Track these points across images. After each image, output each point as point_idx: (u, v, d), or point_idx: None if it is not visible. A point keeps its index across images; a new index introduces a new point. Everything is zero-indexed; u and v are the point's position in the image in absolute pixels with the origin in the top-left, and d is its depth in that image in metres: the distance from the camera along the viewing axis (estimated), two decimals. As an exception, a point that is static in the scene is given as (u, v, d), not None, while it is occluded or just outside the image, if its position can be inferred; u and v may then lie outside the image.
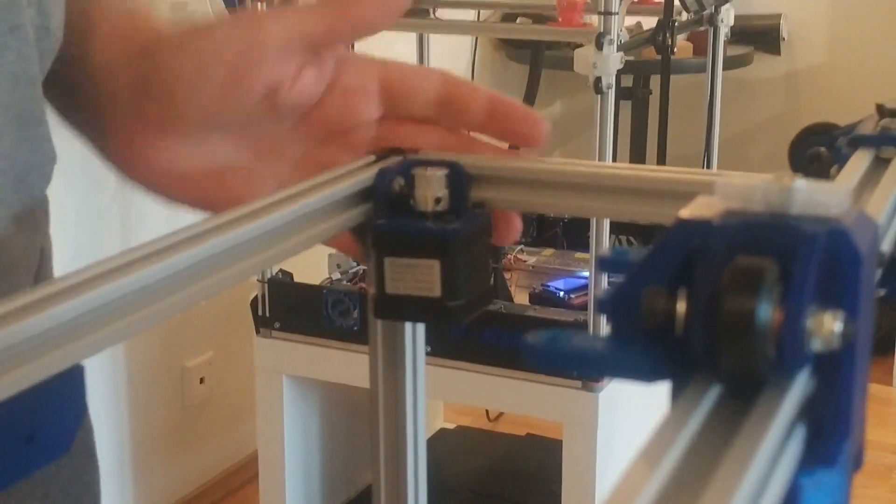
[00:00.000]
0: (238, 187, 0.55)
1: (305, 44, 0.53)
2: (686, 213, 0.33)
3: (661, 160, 2.30)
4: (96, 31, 0.57)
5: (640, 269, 0.33)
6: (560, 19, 2.09)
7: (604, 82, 1.80)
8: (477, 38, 3.23)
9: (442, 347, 1.89)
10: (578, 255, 2.22)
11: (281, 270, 2.08)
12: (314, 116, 0.55)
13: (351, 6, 0.53)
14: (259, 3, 1.97)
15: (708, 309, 0.31)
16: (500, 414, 2.75)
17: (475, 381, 1.94)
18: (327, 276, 2.13)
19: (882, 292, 0.42)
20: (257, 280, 2.06)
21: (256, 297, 2.08)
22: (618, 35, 1.81)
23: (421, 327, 0.53)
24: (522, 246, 2.29)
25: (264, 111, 0.54)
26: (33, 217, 0.60)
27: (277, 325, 2.07)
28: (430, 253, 0.48)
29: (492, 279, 0.53)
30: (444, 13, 2.46)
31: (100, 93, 0.56)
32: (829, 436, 0.32)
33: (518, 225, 0.53)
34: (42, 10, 0.55)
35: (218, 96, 0.53)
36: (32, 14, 0.54)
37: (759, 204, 0.33)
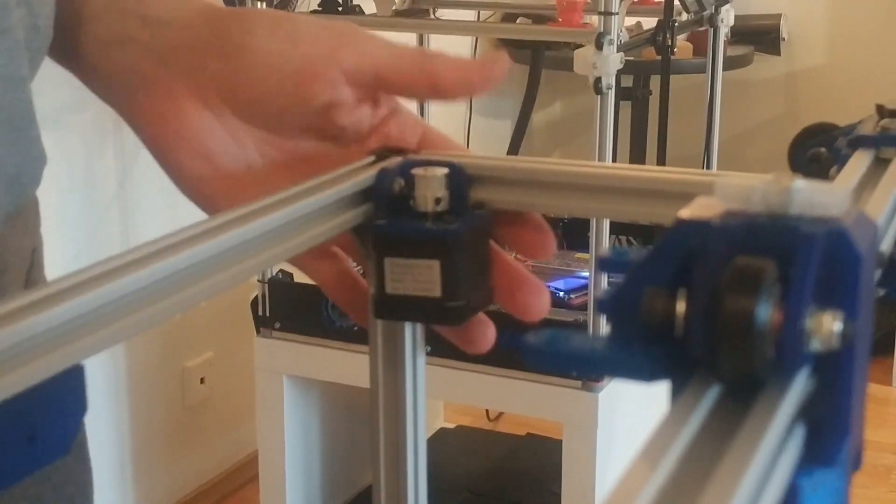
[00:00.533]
0: (245, 193, 0.54)
1: (372, 79, 0.51)
2: (686, 213, 0.33)
3: (661, 160, 2.30)
4: None
5: (640, 270, 0.33)
6: (560, 20, 2.09)
7: (604, 83, 1.80)
8: (477, 39, 3.23)
9: (442, 347, 1.89)
10: (578, 255, 2.22)
11: (281, 270, 2.08)
12: (351, 152, 0.54)
13: (436, 68, 0.51)
14: (259, 4, 1.97)
15: (707, 309, 0.31)
16: (500, 414, 2.76)
17: (475, 381, 1.94)
18: (327, 276, 2.13)
19: (881, 292, 0.42)
20: (258, 280, 2.06)
21: (257, 297, 2.08)
22: (618, 35, 1.81)
23: (421, 327, 0.53)
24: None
25: (315, 123, 0.52)
26: (24, 218, 0.60)
27: (278, 325, 2.08)
28: (430, 253, 0.48)
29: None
30: (445, 13, 2.46)
31: (155, 44, 0.53)
32: (829, 436, 0.32)
33: (491, 332, 0.52)
34: (32, 9, 0.54)
35: (287, 83, 0.51)
36: (22, 14, 0.54)
37: (759, 204, 0.33)
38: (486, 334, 0.52)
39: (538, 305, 0.52)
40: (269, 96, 0.52)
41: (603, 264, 0.39)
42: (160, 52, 0.53)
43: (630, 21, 2.43)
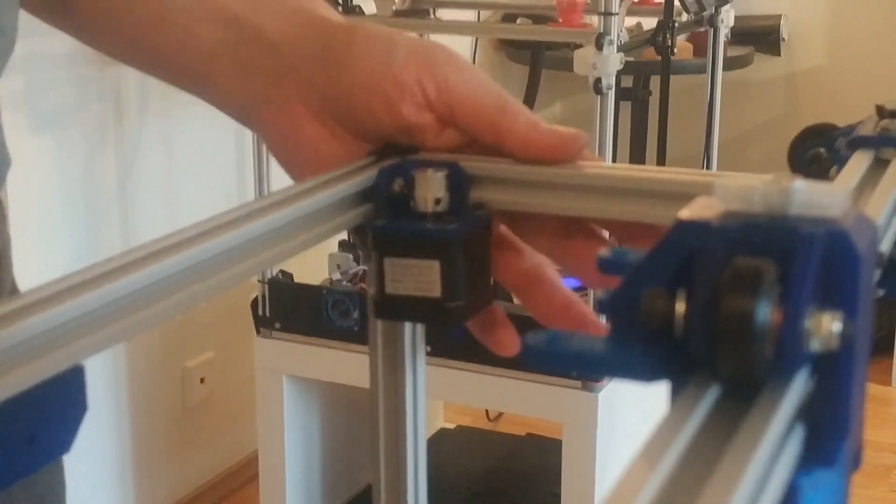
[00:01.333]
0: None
1: (449, 113, 0.53)
2: (685, 214, 0.33)
3: (661, 161, 2.30)
4: (268, 7, 0.57)
5: (640, 270, 0.33)
6: (560, 20, 2.09)
7: (604, 83, 1.80)
8: (477, 39, 3.23)
9: (442, 347, 1.89)
10: (578, 255, 2.22)
11: (281, 271, 2.08)
12: None
13: (508, 126, 0.52)
14: None
15: (707, 310, 0.31)
16: (500, 414, 2.75)
17: (475, 381, 1.94)
18: (327, 276, 2.13)
19: (881, 292, 0.42)
20: (258, 280, 2.06)
21: (257, 297, 2.08)
22: (618, 36, 1.81)
23: (421, 327, 0.53)
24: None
25: (403, 137, 0.54)
26: None
27: (278, 325, 2.08)
28: (430, 253, 0.48)
29: (492, 279, 0.53)
30: (444, 14, 2.46)
31: (275, 66, 0.56)
32: (828, 436, 0.32)
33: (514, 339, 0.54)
34: None
35: (378, 101, 0.53)
36: None
37: (759, 205, 0.33)
38: (515, 338, 0.54)
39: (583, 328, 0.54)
40: (362, 111, 0.53)
41: (603, 264, 0.39)
42: (279, 73, 0.56)
43: (630, 21, 2.43)
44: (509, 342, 0.54)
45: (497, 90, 0.53)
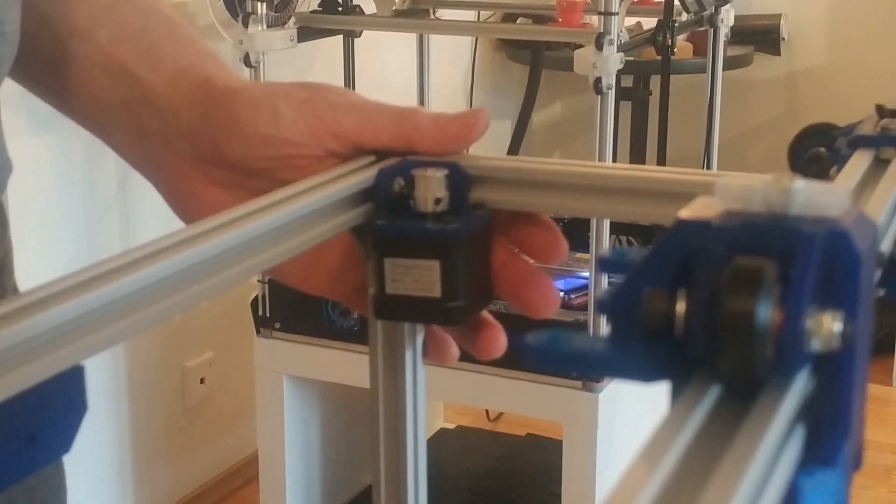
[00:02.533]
0: None
1: (353, 149, 0.53)
2: (686, 213, 0.33)
3: (661, 161, 2.30)
4: (163, 67, 0.57)
5: (640, 270, 0.33)
6: (560, 20, 2.09)
7: (604, 83, 1.80)
8: (477, 39, 3.23)
9: (442, 348, 1.89)
10: (578, 255, 2.22)
11: (281, 271, 2.08)
12: None
13: (411, 133, 0.52)
14: (259, 4, 1.97)
15: (707, 309, 0.31)
16: (500, 414, 2.75)
17: (475, 382, 1.94)
18: (327, 276, 2.13)
19: (881, 292, 0.42)
20: (257, 280, 2.06)
21: (257, 297, 2.08)
22: (618, 35, 1.81)
23: (421, 327, 0.53)
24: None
25: None
26: None
27: (278, 325, 2.08)
28: (430, 253, 0.48)
29: (492, 279, 0.53)
30: (445, 13, 2.46)
31: (165, 132, 0.56)
32: (829, 436, 0.32)
33: (503, 338, 0.53)
34: None
35: (275, 163, 0.53)
36: None
37: (759, 205, 0.33)
38: (498, 340, 0.53)
39: (545, 302, 0.52)
40: (261, 171, 0.54)
41: (603, 264, 0.39)
42: (169, 140, 0.56)
43: (630, 21, 2.43)
44: (496, 343, 0.53)
45: (386, 107, 0.53)
